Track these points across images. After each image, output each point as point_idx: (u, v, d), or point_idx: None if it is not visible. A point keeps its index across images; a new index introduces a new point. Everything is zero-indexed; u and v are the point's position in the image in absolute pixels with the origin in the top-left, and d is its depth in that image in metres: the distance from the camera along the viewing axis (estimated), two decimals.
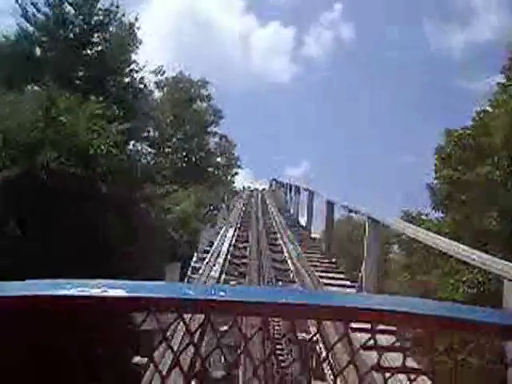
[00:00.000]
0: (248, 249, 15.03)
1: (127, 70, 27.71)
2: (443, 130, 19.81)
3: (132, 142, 30.56)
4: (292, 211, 23.40)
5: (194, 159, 31.95)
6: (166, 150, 30.91)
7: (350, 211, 15.60)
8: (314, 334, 5.36)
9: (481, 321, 1.09)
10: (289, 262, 13.25)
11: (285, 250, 15.00)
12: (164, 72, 28.01)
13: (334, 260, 15.11)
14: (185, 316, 1.07)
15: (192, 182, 32.53)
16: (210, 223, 22.82)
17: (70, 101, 19.25)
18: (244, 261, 13.29)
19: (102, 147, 18.72)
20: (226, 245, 15.28)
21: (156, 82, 28.71)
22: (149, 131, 31.09)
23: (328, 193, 17.80)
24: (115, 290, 1.03)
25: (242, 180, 60.72)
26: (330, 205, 16.85)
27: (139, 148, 30.47)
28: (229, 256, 13.65)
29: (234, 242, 15.89)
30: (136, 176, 30.91)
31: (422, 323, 1.10)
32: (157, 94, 30.58)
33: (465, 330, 1.14)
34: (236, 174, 36.70)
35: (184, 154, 31.44)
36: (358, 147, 68.03)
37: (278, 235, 17.67)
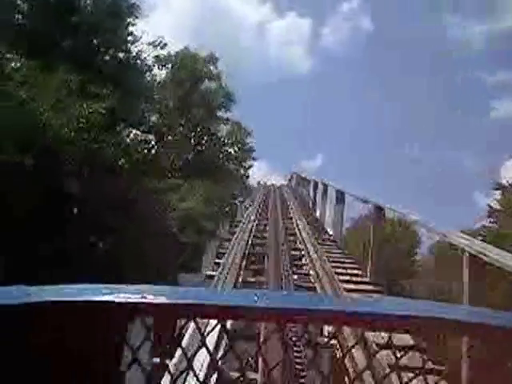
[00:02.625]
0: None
1: (122, 42, 23.23)
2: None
3: (123, 128, 26.16)
4: (328, 228, 17.49)
5: (201, 149, 27.36)
6: (169, 138, 26.35)
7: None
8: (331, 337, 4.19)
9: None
10: None
11: None
12: (165, 45, 23.44)
13: None
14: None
15: (199, 176, 28.00)
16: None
17: (33, 72, 15.02)
18: None
19: (67, 130, 14.52)
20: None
21: (156, 57, 24.11)
22: (148, 116, 26.64)
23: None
24: (156, 296, 1.02)
25: (257, 173, 57.77)
26: (379, 210, 12.21)
27: (133, 134, 25.98)
28: None
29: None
30: (132, 168, 26.55)
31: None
32: (157, 72, 26.07)
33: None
34: (250, 167, 32.19)
35: (190, 142, 26.85)
36: (374, 140, 67.50)
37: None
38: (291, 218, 17.90)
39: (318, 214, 19.82)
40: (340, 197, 16.64)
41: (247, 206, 22.78)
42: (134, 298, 0.99)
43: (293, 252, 13.05)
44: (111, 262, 23.94)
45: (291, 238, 15.00)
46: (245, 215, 19.53)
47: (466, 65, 76.93)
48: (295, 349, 6.99)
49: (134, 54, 24.03)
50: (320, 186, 21.35)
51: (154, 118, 27.39)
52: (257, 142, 31.48)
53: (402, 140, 76.14)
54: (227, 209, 31.32)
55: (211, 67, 26.72)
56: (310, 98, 77.19)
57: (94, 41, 22.05)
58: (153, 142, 27.35)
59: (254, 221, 17.18)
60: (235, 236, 14.82)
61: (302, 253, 13.06)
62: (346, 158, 67.72)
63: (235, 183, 33.73)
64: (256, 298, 1.02)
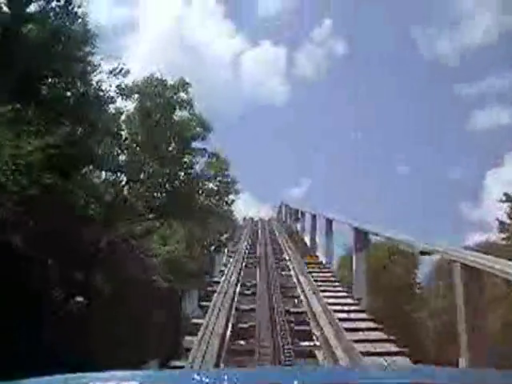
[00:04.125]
0: None
1: (78, 69, 20.53)
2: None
3: (91, 169, 23.24)
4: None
5: (177, 185, 24.49)
6: (141, 176, 23.48)
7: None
8: None
9: None
10: None
11: None
12: (127, 72, 20.76)
13: None
14: None
15: (178, 216, 25.09)
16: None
17: None
18: None
19: None
20: None
21: (119, 87, 21.41)
22: (115, 153, 23.83)
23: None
24: (129, 382, 1.02)
25: (242, 206, 55.37)
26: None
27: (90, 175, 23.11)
28: None
29: None
30: (103, 212, 23.58)
31: None
32: (122, 105, 23.31)
33: None
34: (232, 201, 29.29)
35: (164, 179, 23.99)
36: (356, 161, 67.82)
37: None
38: (288, 267, 15.12)
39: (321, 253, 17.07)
40: (329, 226, 15.26)
41: (229, 253, 19.08)
42: None
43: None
44: (80, 326, 20.91)
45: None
46: (226, 270, 15.73)
47: (442, 80, 77.82)
48: None
49: (94, 84, 21.29)
50: (308, 216, 18.82)
51: (122, 156, 24.60)
52: (238, 174, 28.75)
53: (386, 159, 75.72)
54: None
55: (182, 93, 24.02)
56: (288, 125, 76.39)
57: (41, 70, 19.32)
58: (123, 183, 24.46)
59: (237, 283, 13.00)
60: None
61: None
62: (331, 180, 66.85)
63: (218, 221, 30.83)
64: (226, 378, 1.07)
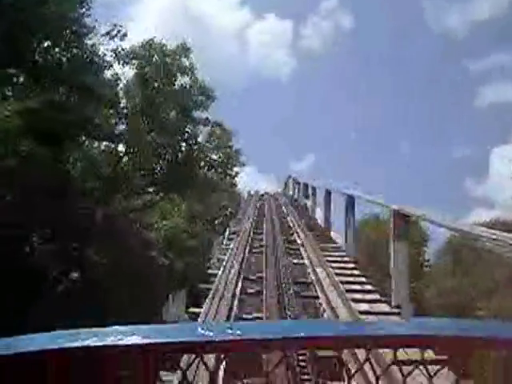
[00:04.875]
0: None
1: (71, 33, 19.15)
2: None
3: (87, 139, 21.94)
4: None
5: (178, 157, 23.20)
6: (138, 146, 22.18)
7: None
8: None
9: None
10: None
11: None
12: (125, 35, 19.36)
13: None
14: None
15: (178, 189, 23.86)
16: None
17: None
18: None
19: None
20: None
21: (116, 51, 20.02)
22: (113, 122, 22.53)
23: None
24: (130, 337, 1.01)
25: (246, 180, 54.21)
26: None
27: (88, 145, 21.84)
28: None
29: None
30: (100, 185, 22.39)
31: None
32: (120, 71, 21.91)
33: None
34: (236, 174, 27.96)
35: (165, 150, 22.69)
36: (360, 136, 66.72)
37: None
38: (301, 255, 12.64)
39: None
40: (350, 204, 12.95)
41: (231, 234, 16.70)
42: (111, 341, 0.98)
43: None
44: (77, 300, 19.90)
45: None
46: (225, 257, 12.73)
47: (450, 54, 75.91)
48: None
49: (89, 47, 19.91)
50: (319, 192, 17.29)
51: (121, 126, 23.28)
52: (243, 146, 27.39)
53: (391, 135, 74.39)
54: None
55: (183, 59, 22.57)
56: (294, 98, 74.87)
57: (32, 32, 17.97)
58: (121, 154, 23.18)
59: (237, 280, 10.22)
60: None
61: None
62: (337, 156, 65.63)
63: (221, 194, 29.63)
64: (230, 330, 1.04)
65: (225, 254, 13.24)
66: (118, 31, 19.81)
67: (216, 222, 31.92)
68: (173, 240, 27.04)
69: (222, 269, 11.41)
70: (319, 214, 17.83)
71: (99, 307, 18.56)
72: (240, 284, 10.06)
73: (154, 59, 22.09)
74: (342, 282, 9.73)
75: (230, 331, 1.02)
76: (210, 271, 12.53)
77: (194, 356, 1.06)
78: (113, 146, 22.96)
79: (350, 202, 12.75)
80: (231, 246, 14.27)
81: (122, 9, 62.94)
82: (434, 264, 39.53)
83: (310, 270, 11.05)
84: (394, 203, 9.61)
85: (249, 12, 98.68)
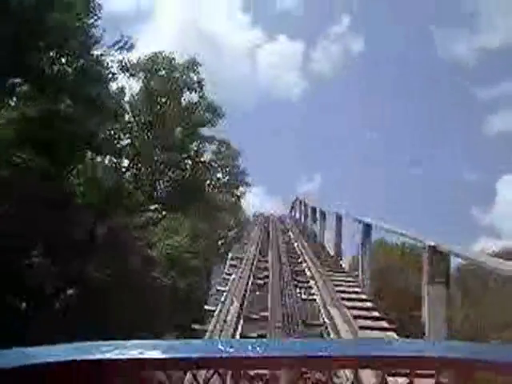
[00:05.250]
0: None
1: (78, 43, 18.66)
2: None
3: (89, 153, 21.32)
4: None
5: (183, 175, 22.53)
6: (144, 163, 21.56)
7: None
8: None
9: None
10: None
11: None
12: (132, 46, 18.84)
13: None
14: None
15: (182, 208, 23.16)
16: None
17: None
18: None
19: None
20: None
21: (122, 63, 19.51)
22: (116, 136, 21.95)
23: None
24: (152, 351, 1.02)
25: (253, 201, 53.51)
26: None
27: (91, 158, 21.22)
28: None
29: None
30: (100, 200, 21.74)
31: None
32: (126, 84, 21.39)
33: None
34: (243, 194, 27.21)
35: (168, 167, 22.04)
36: (369, 161, 66.33)
37: None
38: (310, 288, 11.13)
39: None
40: (366, 233, 11.67)
41: (234, 259, 15.01)
42: (132, 355, 1.00)
43: None
44: (72, 319, 19.18)
45: None
46: (226, 291, 11.06)
47: (458, 82, 75.63)
48: None
49: (95, 58, 19.41)
50: (330, 216, 16.35)
51: (125, 141, 22.67)
52: (250, 166, 26.70)
53: (400, 157, 73.98)
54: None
55: (191, 74, 21.99)
56: (303, 120, 74.62)
57: (34, 40, 17.49)
58: (123, 169, 22.55)
59: (237, 321, 8.76)
60: None
61: None
62: (345, 178, 65.03)
63: (226, 215, 28.88)
64: (250, 348, 1.06)
65: (226, 285, 12.04)
66: (126, 42, 19.30)
67: (220, 242, 31.18)
68: (175, 259, 26.33)
69: (220, 305, 10.06)
70: (328, 239, 16.88)
71: (94, 327, 17.81)
72: (240, 327, 8.79)
73: (160, 72, 21.55)
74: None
75: (250, 348, 1.03)
76: (206, 307, 11.14)
77: (212, 371, 1.08)
78: (116, 160, 22.32)
79: (366, 232, 11.37)
80: (232, 277, 12.89)
81: (132, 26, 63.06)
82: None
83: (321, 308, 9.84)
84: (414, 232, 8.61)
85: (260, 32, 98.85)
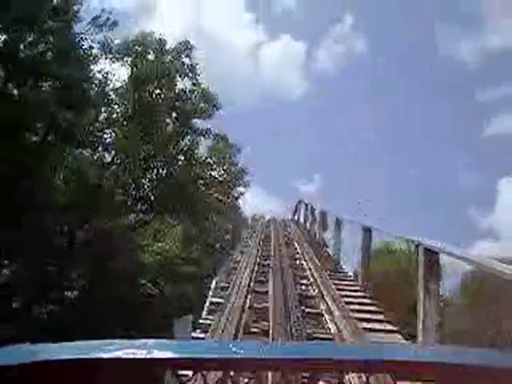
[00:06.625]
0: None
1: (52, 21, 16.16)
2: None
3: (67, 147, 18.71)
4: None
5: (173, 172, 19.98)
6: (130, 158, 19.06)
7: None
8: None
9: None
10: None
11: None
12: (114, 24, 16.30)
13: None
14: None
15: (172, 208, 20.66)
16: None
17: None
18: None
19: None
20: None
21: (103, 44, 16.96)
22: (99, 129, 19.44)
23: None
24: (153, 351, 1.02)
25: (252, 201, 51.16)
26: None
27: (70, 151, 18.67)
28: None
29: None
30: (76, 199, 19.28)
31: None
32: (109, 68, 18.84)
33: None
34: (241, 195, 24.69)
35: (157, 164, 19.52)
36: (369, 162, 65.01)
37: None
38: (322, 316, 7.60)
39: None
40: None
41: (224, 281, 10.50)
42: (140, 354, 0.99)
43: None
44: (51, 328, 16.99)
45: None
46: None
47: (460, 83, 74.75)
48: None
49: (74, 38, 16.88)
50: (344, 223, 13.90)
51: (108, 133, 20.10)
52: (250, 166, 24.04)
53: (400, 158, 73.01)
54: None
55: (184, 59, 19.40)
56: (306, 120, 72.93)
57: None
58: (106, 165, 19.97)
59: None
60: None
61: None
62: (344, 179, 63.67)
63: (222, 217, 26.25)
64: (261, 349, 1.06)
65: (221, 297, 9.15)
66: (107, 19, 16.62)
67: (215, 246, 28.66)
68: (164, 265, 23.89)
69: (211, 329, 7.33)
70: (346, 254, 14.47)
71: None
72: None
73: (150, 56, 18.98)
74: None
75: (260, 350, 1.03)
76: (194, 334, 8.16)
77: (212, 372, 1.07)
78: (97, 154, 19.74)
79: (367, 236, 10.69)
80: (228, 291, 9.67)
81: (134, 25, 61.00)
82: (449, 299, 36.99)
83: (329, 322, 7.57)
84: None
85: (263, 31, 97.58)
